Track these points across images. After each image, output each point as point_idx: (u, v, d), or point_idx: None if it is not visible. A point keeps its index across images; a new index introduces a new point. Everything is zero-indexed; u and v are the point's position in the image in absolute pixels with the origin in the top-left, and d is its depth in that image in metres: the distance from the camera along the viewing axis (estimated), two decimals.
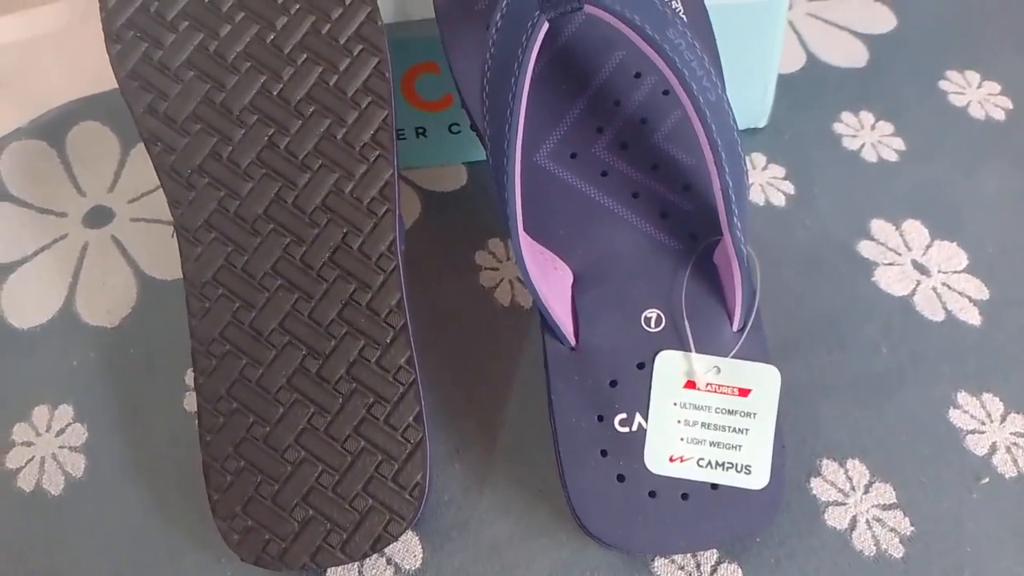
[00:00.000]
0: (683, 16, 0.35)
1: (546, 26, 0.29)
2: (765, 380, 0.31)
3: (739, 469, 0.31)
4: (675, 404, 0.31)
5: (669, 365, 0.31)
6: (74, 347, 0.39)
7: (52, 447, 0.36)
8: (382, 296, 0.32)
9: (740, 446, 0.31)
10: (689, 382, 0.31)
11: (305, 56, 0.33)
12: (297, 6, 0.34)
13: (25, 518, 0.35)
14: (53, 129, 0.49)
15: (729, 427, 0.31)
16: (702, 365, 0.31)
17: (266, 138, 0.33)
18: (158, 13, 0.34)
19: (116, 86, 0.51)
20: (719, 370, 0.31)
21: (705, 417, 0.31)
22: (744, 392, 0.31)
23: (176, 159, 0.33)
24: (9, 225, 0.44)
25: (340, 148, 0.33)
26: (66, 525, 0.34)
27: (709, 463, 0.31)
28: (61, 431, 0.37)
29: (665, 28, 0.29)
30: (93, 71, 0.54)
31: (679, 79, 0.29)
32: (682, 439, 0.31)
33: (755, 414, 0.31)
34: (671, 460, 0.31)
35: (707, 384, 0.31)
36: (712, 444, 0.31)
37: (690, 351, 0.32)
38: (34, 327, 0.40)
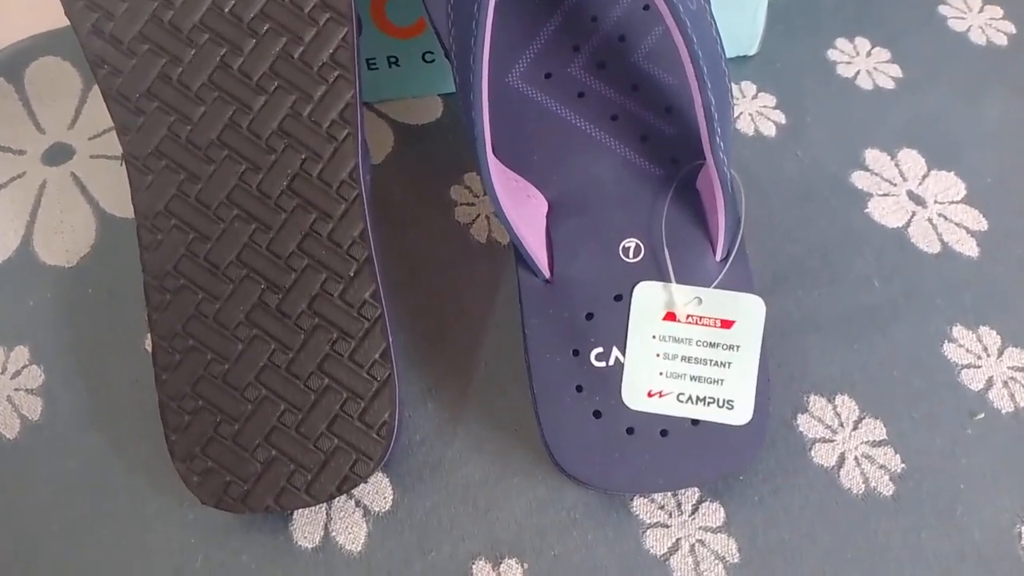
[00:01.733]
0: None
1: None
2: (749, 311, 0.30)
3: (721, 404, 0.29)
4: (654, 337, 0.29)
5: (648, 296, 0.30)
6: (31, 287, 0.38)
7: (7, 389, 0.35)
8: (344, 227, 0.30)
9: (722, 380, 0.29)
10: (669, 314, 0.30)
11: None
12: None
13: None
14: (11, 65, 0.47)
15: (711, 360, 0.29)
16: (682, 296, 0.30)
17: (218, 58, 0.31)
18: None
19: None
20: (700, 301, 0.30)
21: (685, 350, 0.29)
22: (727, 324, 0.29)
23: (123, 82, 0.31)
24: None
25: (297, 68, 0.31)
26: (23, 470, 0.33)
27: (689, 398, 0.29)
28: (17, 373, 0.35)
29: None
30: (53, 5, 0.52)
31: None
32: (661, 373, 0.29)
33: (738, 347, 0.29)
34: (649, 395, 0.29)
35: (688, 316, 0.29)
36: (693, 378, 0.29)
37: (670, 282, 0.30)
38: None
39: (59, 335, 0.36)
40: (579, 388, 0.30)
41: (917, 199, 0.38)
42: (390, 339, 0.31)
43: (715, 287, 0.30)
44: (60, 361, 0.36)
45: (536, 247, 0.31)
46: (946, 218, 0.38)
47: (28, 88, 0.46)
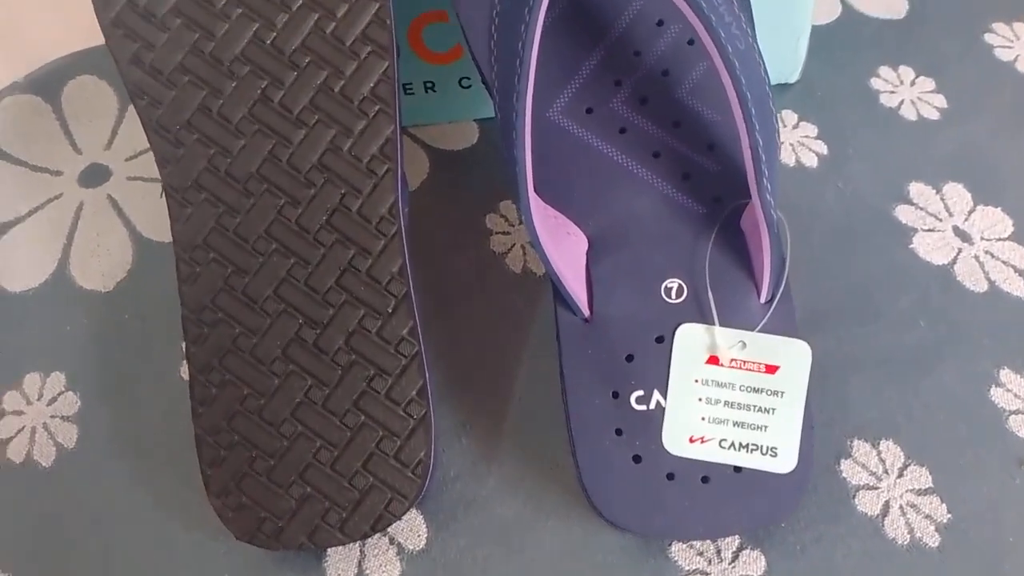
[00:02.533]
0: None
1: None
2: (794, 356, 0.29)
3: (764, 451, 0.28)
4: (696, 381, 0.29)
5: (690, 339, 0.29)
6: (67, 312, 0.38)
7: (43, 416, 0.35)
8: (383, 262, 0.30)
9: (766, 427, 0.29)
10: (712, 357, 0.29)
11: (300, 2, 0.31)
12: None
13: (14, 491, 0.33)
14: (48, 84, 0.47)
15: (754, 406, 0.29)
16: (726, 339, 0.29)
17: (259, 91, 0.31)
18: None
19: None
20: (744, 345, 0.29)
21: (729, 395, 0.29)
22: (771, 369, 0.29)
23: (163, 114, 0.31)
24: (2, 184, 0.42)
25: (338, 102, 0.30)
26: (57, 498, 0.33)
27: (732, 444, 0.29)
28: (53, 400, 0.35)
29: None
30: (89, 24, 0.52)
31: (705, 26, 0.26)
32: (703, 418, 0.29)
33: (783, 393, 0.29)
34: (691, 441, 0.29)
35: (731, 360, 0.29)
36: (736, 424, 0.29)
37: (713, 324, 0.29)
38: (26, 291, 0.39)
39: (95, 362, 0.36)
40: (618, 431, 0.29)
41: (963, 235, 0.38)
42: (427, 376, 0.30)
43: (759, 330, 0.29)
44: (96, 388, 0.36)
45: (575, 285, 0.30)
46: (993, 255, 0.37)
47: (65, 107, 0.46)
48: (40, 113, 0.46)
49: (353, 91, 0.31)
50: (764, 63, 0.28)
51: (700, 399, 0.29)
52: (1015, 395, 0.33)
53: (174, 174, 0.31)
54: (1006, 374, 0.34)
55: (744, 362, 0.29)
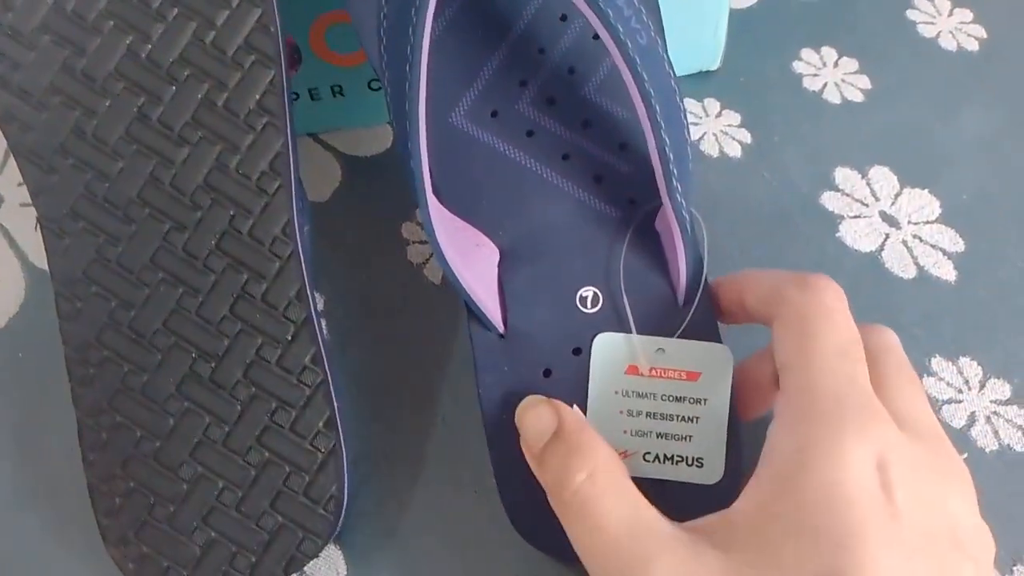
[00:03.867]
0: None
1: None
2: (716, 361, 0.28)
3: (690, 462, 0.27)
4: (616, 393, 0.28)
5: (608, 349, 0.28)
6: None
7: None
8: (279, 286, 0.28)
9: (690, 436, 0.27)
10: (631, 367, 0.28)
11: (176, 11, 0.29)
12: None
13: None
14: None
15: (677, 416, 0.27)
16: (644, 347, 0.28)
17: (136, 109, 0.28)
18: None
19: None
20: (664, 351, 0.28)
21: (650, 406, 0.28)
22: (693, 376, 0.28)
23: (34, 138, 0.28)
24: None
25: (222, 117, 0.28)
26: None
27: (656, 457, 0.27)
28: None
29: None
30: None
31: (602, 21, 0.25)
32: (625, 432, 0.28)
33: (706, 400, 0.27)
34: (618, 454, 0.27)
35: (651, 369, 0.28)
36: (659, 436, 0.27)
37: (631, 332, 0.28)
38: None
39: None
40: None
41: (890, 220, 0.37)
42: (335, 405, 0.29)
43: (678, 336, 0.28)
44: None
45: (487, 299, 0.29)
46: (921, 240, 0.36)
47: None
48: None
49: (238, 104, 0.28)
50: (669, 57, 0.27)
51: (621, 411, 0.28)
52: (948, 383, 0.32)
53: (49, 203, 0.28)
54: (938, 362, 0.33)
55: (664, 370, 0.28)
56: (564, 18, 0.30)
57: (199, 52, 0.29)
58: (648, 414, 0.28)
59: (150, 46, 0.29)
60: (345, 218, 0.38)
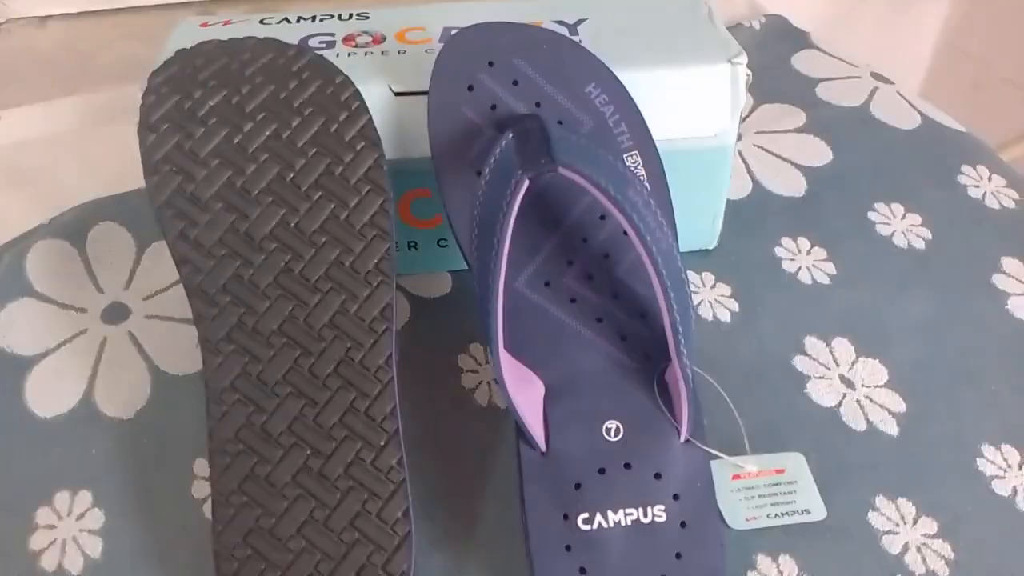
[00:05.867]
0: (642, 171, 0.41)
1: (527, 183, 0.35)
2: (792, 459, 0.41)
3: (800, 512, 0.40)
4: (731, 491, 0.40)
5: (719, 471, 0.40)
6: (93, 436, 0.43)
7: (73, 530, 0.40)
8: (378, 404, 0.37)
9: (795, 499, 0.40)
10: (735, 475, 0.40)
11: (320, 193, 0.39)
12: (314, 150, 0.39)
13: None
14: (74, 229, 0.54)
15: (780, 492, 0.40)
16: (738, 462, 0.40)
17: (283, 263, 0.38)
18: (192, 150, 0.39)
19: (131, 188, 0.56)
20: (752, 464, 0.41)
21: (761, 491, 0.40)
22: (780, 471, 0.41)
23: (203, 280, 0.38)
24: (34, 320, 0.49)
25: (347, 274, 0.38)
26: None
27: (776, 514, 0.39)
28: (81, 515, 0.41)
29: (625, 188, 0.35)
30: (110, 172, 0.59)
31: (635, 230, 0.35)
32: (749, 507, 0.39)
33: (796, 481, 0.40)
34: (747, 520, 0.39)
35: (747, 474, 0.40)
36: (773, 504, 0.40)
37: (715, 458, 0.39)
38: (56, 416, 0.44)
39: (118, 481, 0.42)
40: (568, 547, 0.36)
41: (848, 382, 0.46)
42: (410, 499, 0.37)
43: (678, 463, 0.37)
44: (118, 505, 0.41)
45: (535, 423, 0.37)
46: (872, 400, 0.45)
47: (89, 250, 0.53)
48: (67, 256, 0.52)
49: (360, 265, 0.38)
50: (680, 257, 0.37)
51: (742, 498, 0.39)
52: (887, 518, 0.41)
53: (209, 329, 0.38)
54: (880, 500, 0.41)
55: (758, 472, 0.40)
56: (602, 217, 0.41)
57: (334, 224, 0.39)
58: (759, 495, 0.40)
59: (298, 217, 0.39)
60: (412, 348, 0.47)
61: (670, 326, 0.35)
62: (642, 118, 0.42)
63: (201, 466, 0.42)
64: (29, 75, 0.70)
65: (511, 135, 0.37)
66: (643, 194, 0.36)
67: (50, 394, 0.45)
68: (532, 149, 0.36)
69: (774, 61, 0.67)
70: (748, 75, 0.45)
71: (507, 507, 0.40)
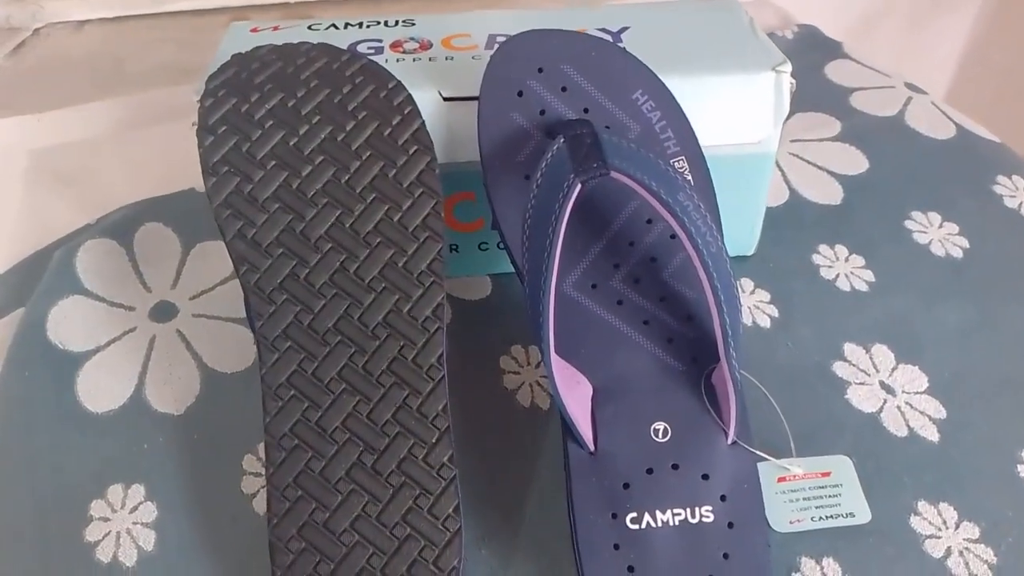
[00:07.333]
0: (689, 176, 0.41)
1: (579, 187, 0.35)
2: (839, 462, 0.42)
3: (845, 516, 0.40)
4: (776, 493, 0.40)
5: (765, 471, 0.40)
6: (144, 431, 0.44)
7: (126, 523, 0.41)
8: (430, 401, 0.38)
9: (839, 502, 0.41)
10: (781, 478, 0.41)
11: (374, 195, 0.40)
12: (368, 153, 0.40)
13: None
14: (122, 229, 0.55)
15: (826, 495, 0.41)
16: (785, 464, 0.41)
17: (338, 263, 0.39)
18: (249, 152, 0.40)
19: (176, 190, 0.57)
20: (798, 467, 0.41)
21: (804, 494, 0.41)
22: (825, 474, 0.41)
23: (260, 278, 0.39)
24: (85, 317, 0.50)
25: (401, 274, 0.39)
26: None
27: (820, 517, 0.40)
28: (134, 508, 0.42)
29: (676, 192, 0.36)
30: (151, 174, 0.60)
31: (686, 234, 0.35)
32: (793, 509, 0.39)
33: (841, 484, 0.41)
34: (791, 523, 0.40)
35: (793, 476, 0.41)
36: (817, 507, 0.40)
37: (761, 460, 0.39)
38: (108, 411, 0.45)
39: (170, 475, 0.43)
40: (616, 546, 0.36)
41: (888, 388, 0.46)
42: (459, 496, 0.37)
43: (726, 465, 0.37)
44: (170, 498, 0.42)
45: (583, 424, 0.38)
46: (912, 406, 0.46)
47: (136, 250, 0.54)
48: (115, 255, 0.53)
49: (413, 265, 0.39)
50: (729, 259, 0.37)
51: (787, 500, 0.40)
52: (930, 523, 0.41)
53: (266, 326, 0.38)
54: (922, 505, 0.42)
55: (805, 475, 0.41)
56: (649, 221, 0.41)
57: (388, 225, 0.39)
58: (804, 498, 0.40)
59: (352, 218, 0.39)
60: (454, 349, 0.48)
61: (720, 328, 0.36)
62: (689, 124, 0.42)
63: (250, 461, 0.43)
64: (66, 78, 0.71)
65: (563, 140, 0.37)
66: (693, 198, 0.36)
67: (101, 389, 0.46)
68: (584, 154, 0.36)
69: (807, 70, 0.67)
70: (792, 83, 0.45)
71: (551, 506, 0.41)
